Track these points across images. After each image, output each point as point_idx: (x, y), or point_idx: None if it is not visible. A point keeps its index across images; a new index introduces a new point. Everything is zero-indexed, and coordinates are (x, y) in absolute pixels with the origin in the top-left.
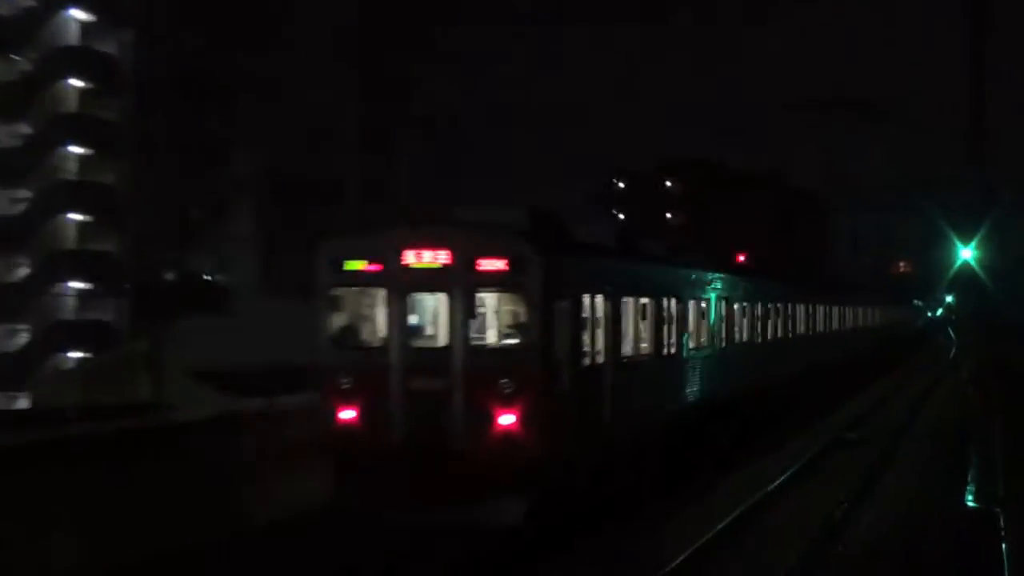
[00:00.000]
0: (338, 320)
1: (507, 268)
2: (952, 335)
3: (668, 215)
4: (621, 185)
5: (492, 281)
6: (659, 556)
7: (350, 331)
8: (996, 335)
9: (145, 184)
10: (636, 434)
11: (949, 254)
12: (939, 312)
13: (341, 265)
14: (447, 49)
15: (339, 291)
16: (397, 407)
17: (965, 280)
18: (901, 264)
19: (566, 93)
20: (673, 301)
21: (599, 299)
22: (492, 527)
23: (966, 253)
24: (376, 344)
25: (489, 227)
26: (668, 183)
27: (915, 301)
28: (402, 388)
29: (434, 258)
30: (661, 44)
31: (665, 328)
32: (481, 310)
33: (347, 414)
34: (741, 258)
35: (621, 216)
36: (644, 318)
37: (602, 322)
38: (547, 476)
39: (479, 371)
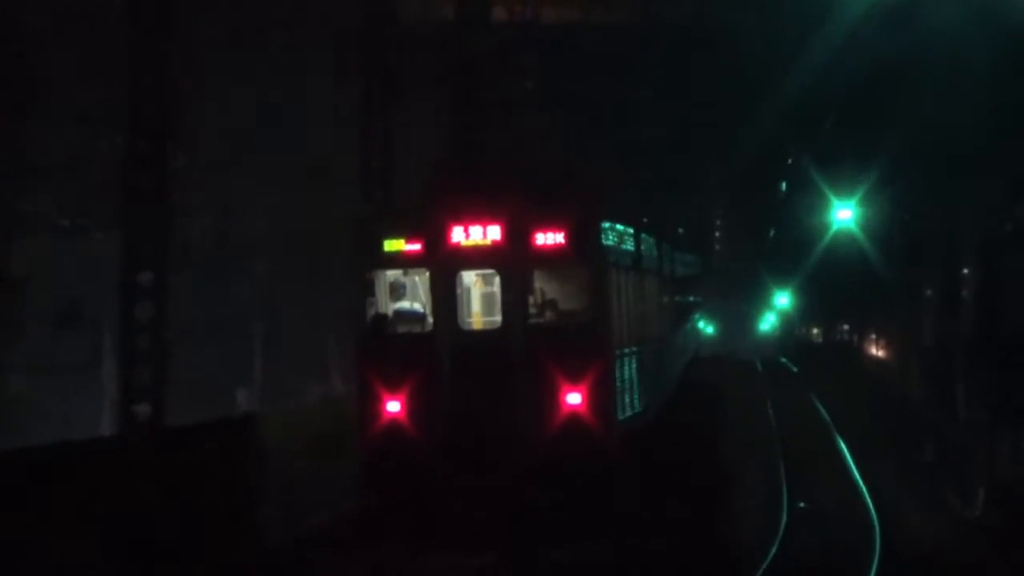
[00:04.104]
0: (379, 306)
1: (567, 240)
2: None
3: None
4: None
5: (550, 254)
6: None
7: (393, 316)
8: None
9: None
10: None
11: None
12: (765, 324)
13: (379, 246)
14: None
15: (378, 274)
16: (448, 397)
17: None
18: None
19: None
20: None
21: (631, 269)
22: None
23: (844, 214)
24: (422, 329)
25: (542, 194)
26: None
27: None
28: (453, 375)
29: (483, 235)
30: None
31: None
32: (535, 284)
33: (392, 406)
34: None
35: None
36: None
37: (636, 294)
38: (616, 456)
39: (539, 351)
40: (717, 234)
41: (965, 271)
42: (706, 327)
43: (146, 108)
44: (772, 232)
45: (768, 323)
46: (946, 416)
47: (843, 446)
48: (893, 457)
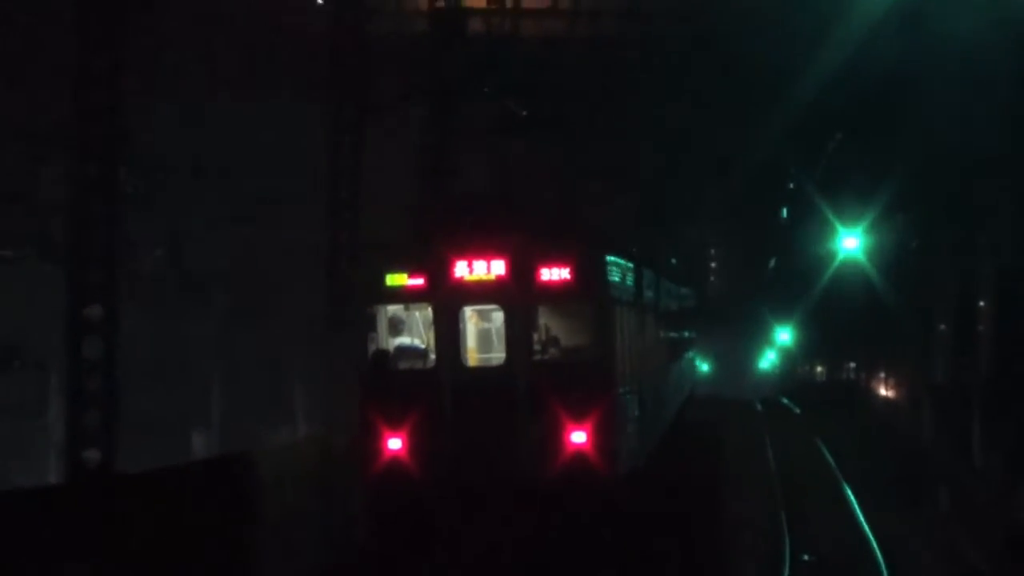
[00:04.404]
0: (381, 340)
1: (572, 276)
2: None
3: None
4: None
5: (555, 291)
6: None
7: (395, 352)
8: None
9: None
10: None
11: None
12: (764, 362)
13: (382, 281)
14: None
15: (381, 309)
16: (451, 435)
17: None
18: None
19: None
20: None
21: (632, 305)
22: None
23: (850, 243)
24: (424, 366)
25: (546, 229)
26: None
27: None
28: (456, 412)
29: (487, 270)
30: None
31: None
32: (539, 321)
33: (394, 444)
34: None
35: None
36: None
37: (637, 331)
38: (620, 496)
39: (543, 389)
40: (712, 264)
41: (981, 304)
42: (701, 365)
43: (95, 129)
44: (772, 262)
45: (768, 361)
46: (961, 462)
47: (849, 494)
48: (904, 506)
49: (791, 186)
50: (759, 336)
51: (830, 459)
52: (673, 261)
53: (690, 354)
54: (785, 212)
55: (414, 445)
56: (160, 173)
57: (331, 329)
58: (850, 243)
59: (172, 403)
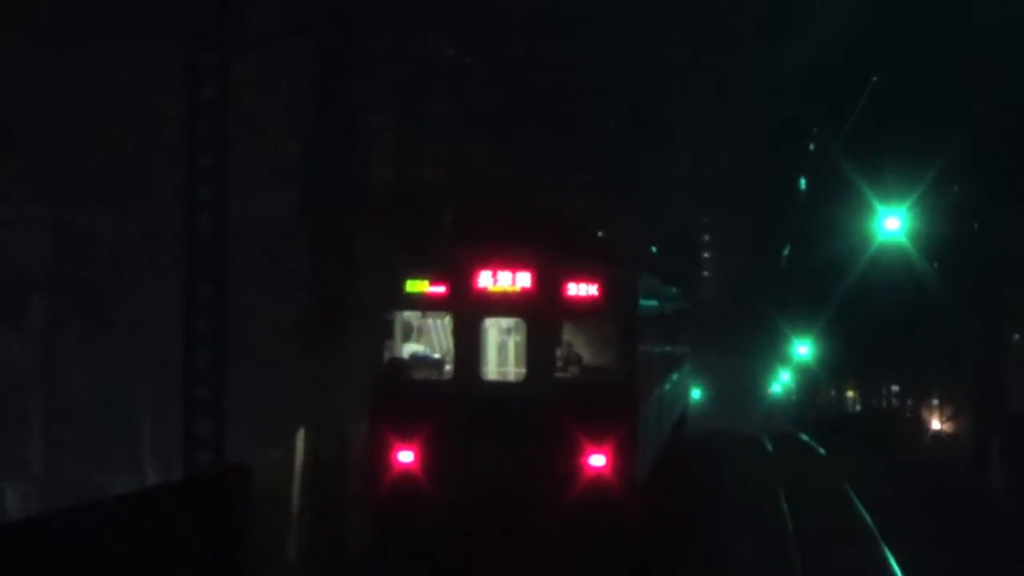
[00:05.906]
0: (398, 348)
1: (600, 293)
2: None
3: None
4: None
5: (582, 307)
6: None
7: (411, 361)
8: None
9: None
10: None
11: None
12: (776, 385)
13: (402, 286)
14: None
15: (399, 315)
16: (465, 451)
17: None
18: None
19: None
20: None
21: (648, 321)
22: None
23: (891, 224)
24: (440, 376)
25: (573, 242)
26: None
27: None
28: (472, 428)
29: (512, 281)
30: None
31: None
32: (563, 337)
33: (405, 457)
34: None
35: None
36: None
37: (651, 347)
38: (638, 521)
39: (563, 408)
40: (706, 255)
41: None
42: (693, 389)
43: None
44: (786, 251)
45: (781, 383)
46: None
47: (894, 565)
48: None
49: (811, 148)
50: (769, 351)
51: (867, 518)
52: (654, 249)
53: (678, 375)
54: (803, 184)
55: (426, 459)
56: None
57: (193, 344)
58: (891, 224)
59: None
